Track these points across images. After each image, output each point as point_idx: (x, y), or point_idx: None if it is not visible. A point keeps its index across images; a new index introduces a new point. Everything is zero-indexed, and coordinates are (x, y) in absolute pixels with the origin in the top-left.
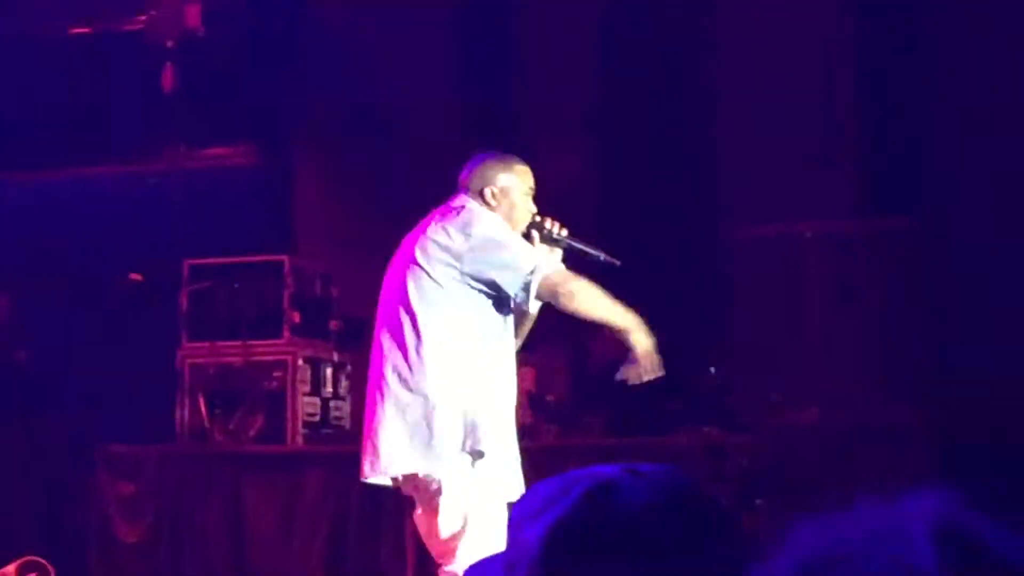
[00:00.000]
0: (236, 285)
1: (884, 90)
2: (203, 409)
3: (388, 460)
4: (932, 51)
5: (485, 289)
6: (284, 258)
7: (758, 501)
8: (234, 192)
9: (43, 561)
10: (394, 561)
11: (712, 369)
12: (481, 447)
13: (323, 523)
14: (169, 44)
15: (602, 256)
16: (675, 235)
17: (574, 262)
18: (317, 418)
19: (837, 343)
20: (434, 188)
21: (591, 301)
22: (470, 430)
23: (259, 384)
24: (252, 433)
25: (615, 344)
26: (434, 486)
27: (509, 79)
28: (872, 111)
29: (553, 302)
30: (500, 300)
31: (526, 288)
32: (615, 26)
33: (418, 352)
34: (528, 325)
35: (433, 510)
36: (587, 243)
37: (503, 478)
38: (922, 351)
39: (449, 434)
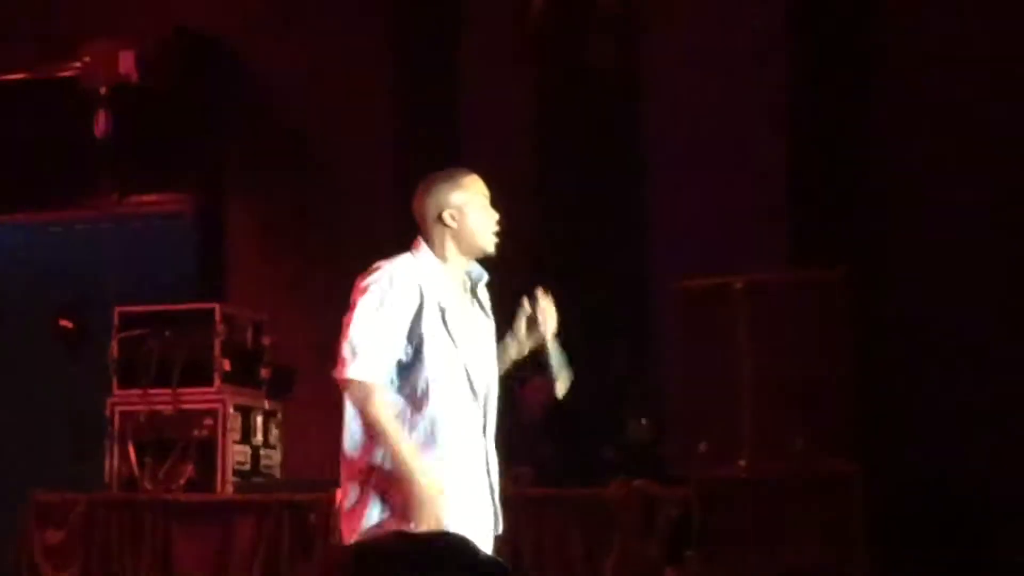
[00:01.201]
0: (167, 333)
1: (816, 144)
2: (133, 457)
3: None
4: (863, 103)
5: None
6: (215, 306)
7: (688, 553)
8: (166, 239)
9: None
10: None
11: (643, 420)
12: None
13: (255, 573)
14: (102, 91)
15: (558, 382)
16: (607, 287)
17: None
18: (247, 466)
19: (768, 394)
20: (368, 235)
21: (380, 425)
22: None
23: (189, 432)
24: (182, 481)
25: (547, 393)
26: None
27: (446, 124)
28: (804, 164)
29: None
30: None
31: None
32: (549, 80)
33: None
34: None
35: None
36: (559, 360)
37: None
38: (854, 401)
39: None
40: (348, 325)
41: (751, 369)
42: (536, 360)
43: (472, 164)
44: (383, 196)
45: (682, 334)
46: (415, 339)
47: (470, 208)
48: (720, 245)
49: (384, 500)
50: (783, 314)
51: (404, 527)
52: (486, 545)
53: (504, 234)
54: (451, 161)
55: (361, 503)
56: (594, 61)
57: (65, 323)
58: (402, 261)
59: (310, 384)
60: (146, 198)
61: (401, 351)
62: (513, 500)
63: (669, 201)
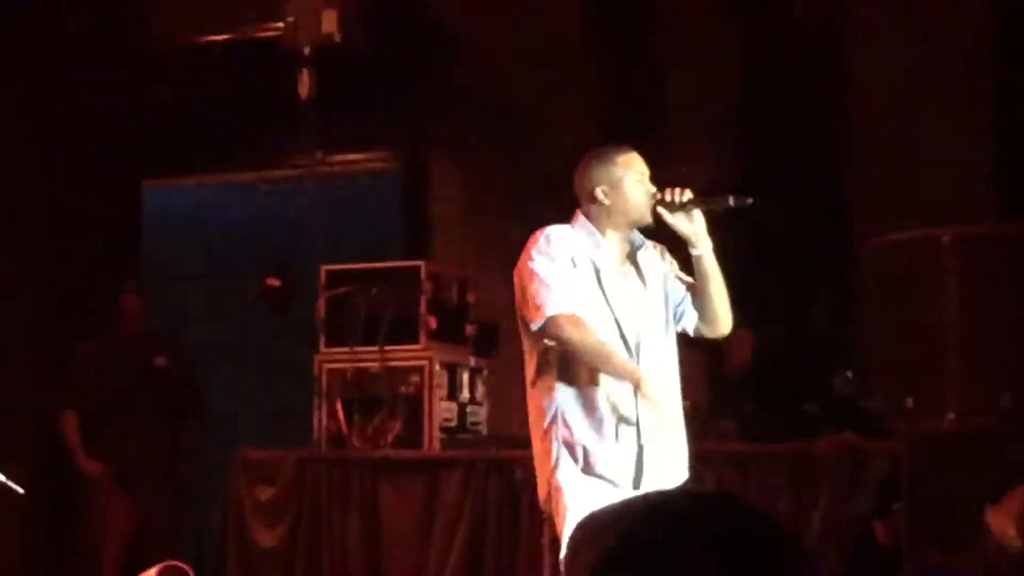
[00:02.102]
0: (373, 290)
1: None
2: (340, 414)
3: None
4: None
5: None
6: (420, 263)
7: (896, 507)
8: (370, 197)
9: (184, 566)
10: (530, 568)
11: (849, 373)
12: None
13: (461, 529)
14: (306, 51)
15: (732, 200)
16: (813, 240)
17: (717, 218)
18: (454, 423)
19: (976, 348)
20: (570, 190)
21: (583, 347)
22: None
23: (396, 389)
24: (389, 438)
25: (751, 345)
26: None
27: (648, 80)
28: (1011, 117)
29: (554, 339)
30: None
31: (540, 329)
32: (754, 31)
33: None
34: (704, 289)
35: None
36: (714, 197)
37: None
38: None
39: None
40: (527, 284)
41: (959, 323)
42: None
43: (675, 121)
44: (585, 151)
45: (887, 287)
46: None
47: (623, 184)
48: (925, 198)
49: (571, 452)
50: (992, 268)
51: (593, 476)
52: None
53: (708, 190)
54: (654, 115)
55: (549, 456)
56: (798, 13)
57: (272, 282)
58: (558, 228)
59: (515, 341)
60: (350, 156)
61: (576, 295)
62: (718, 455)
63: (874, 153)
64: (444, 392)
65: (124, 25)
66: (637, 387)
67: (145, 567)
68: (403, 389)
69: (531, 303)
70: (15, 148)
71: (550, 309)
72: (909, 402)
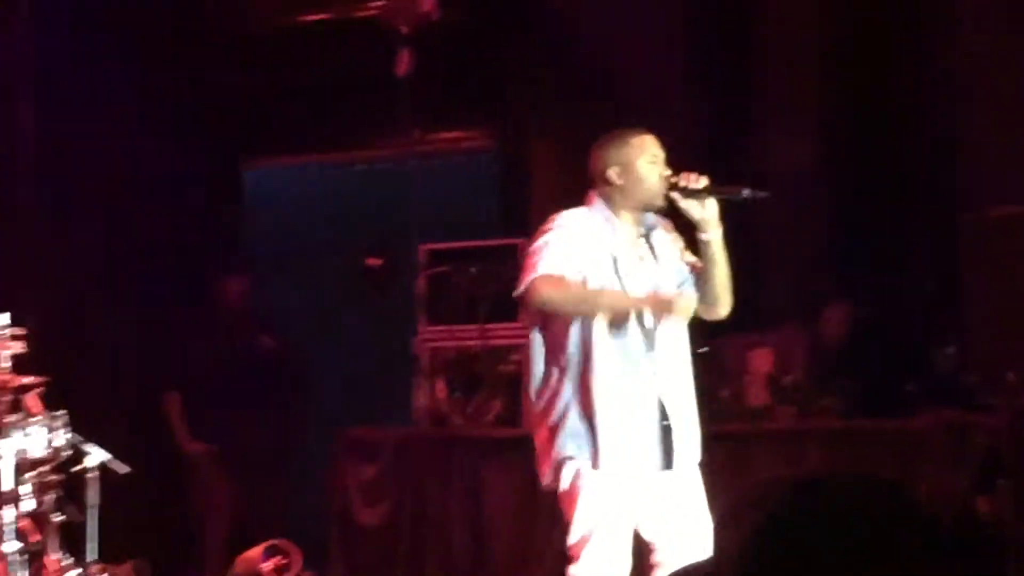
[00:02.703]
0: (473, 269)
1: None
2: (441, 393)
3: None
4: None
5: None
6: (519, 242)
7: (1000, 482)
8: (469, 176)
9: (287, 544)
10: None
11: (950, 349)
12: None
13: None
14: (404, 29)
15: (747, 192)
16: (912, 215)
17: (730, 207)
18: None
19: None
20: (674, 167)
21: (573, 299)
22: None
23: (497, 367)
24: (491, 417)
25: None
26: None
27: (742, 55)
28: None
29: (547, 308)
30: None
31: (521, 296)
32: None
33: None
34: (709, 274)
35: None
36: (729, 186)
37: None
38: None
39: None
40: (528, 259)
41: None
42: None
43: (763, 96)
44: (680, 126)
45: (990, 263)
46: (590, 283)
47: (635, 166)
48: None
49: (570, 434)
50: None
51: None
52: (649, 478)
53: (805, 165)
54: (744, 93)
55: (550, 439)
56: None
57: (372, 261)
58: (573, 211)
59: None
60: (449, 135)
61: (574, 271)
62: (820, 432)
63: (977, 128)
64: None
65: (224, 6)
66: (647, 308)
67: (249, 547)
68: (503, 367)
69: (525, 272)
70: (117, 131)
71: (530, 275)
72: (1011, 376)
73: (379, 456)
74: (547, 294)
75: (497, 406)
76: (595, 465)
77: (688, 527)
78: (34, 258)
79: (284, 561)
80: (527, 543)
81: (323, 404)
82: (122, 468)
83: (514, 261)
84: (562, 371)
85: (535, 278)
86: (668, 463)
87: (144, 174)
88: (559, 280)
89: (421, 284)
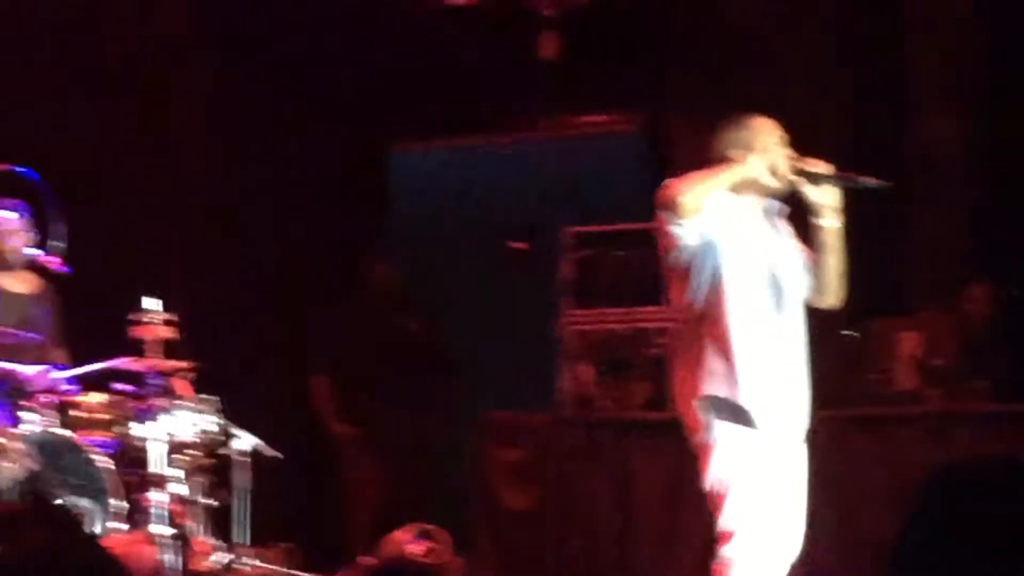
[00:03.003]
0: (618, 252)
1: None
2: (587, 376)
3: None
4: None
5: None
6: None
7: None
8: (614, 158)
9: (435, 528)
10: None
11: None
12: None
13: None
14: (548, 12)
15: (869, 181)
16: None
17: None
18: None
19: None
20: (820, 147)
21: (694, 185)
22: None
23: (643, 350)
24: (637, 400)
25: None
26: None
27: (893, 33)
28: None
29: (684, 210)
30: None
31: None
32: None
33: None
34: (823, 260)
35: None
36: (853, 175)
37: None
38: None
39: None
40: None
41: None
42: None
43: (915, 65)
44: (828, 108)
45: None
46: (709, 256)
47: (757, 149)
48: None
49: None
50: None
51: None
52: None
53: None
54: (894, 73)
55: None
56: None
57: (517, 245)
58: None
59: None
60: (593, 118)
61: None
62: (970, 415)
63: None
64: None
65: None
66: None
67: (396, 530)
68: (650, 351)
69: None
70: (265, 114)
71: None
72: None
73: (525, 440)
74: (680, 192)
75: (644, 389)
76: (727, 424)
77: (789, 500)
78: (188, 243)
79: (431, 545)
80: (674, 527)
81: (469, 388)
82: (271, 452)
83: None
84: (697, 336)
85: (679, 191)
86: (779, 424)
87: (295, 156)
88: (687, 179)
89: (566, 267)
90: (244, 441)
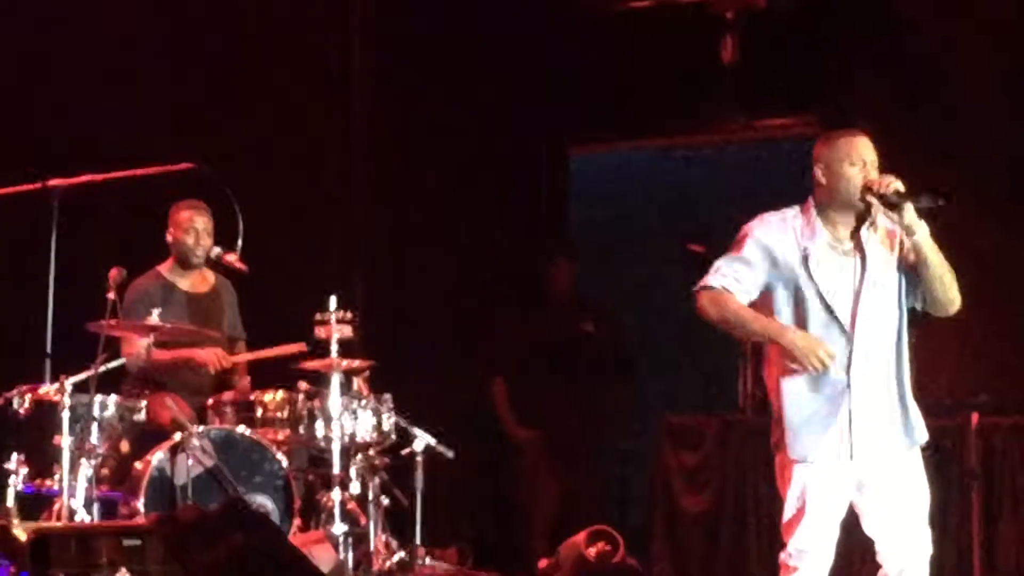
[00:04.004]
0: None
1: None
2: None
3: None
4: None
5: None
6: None
7: None
8: (794, 163)
9: (612, 531)
10: (959, 540)
11: None
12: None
13: None
14: (729, 15)
15: (943, 201)
16: None
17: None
18: None
19: None
20: (997, 156)
21: (735, 320)
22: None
23: None
24: None
25: None
26: None
27: None
28: None
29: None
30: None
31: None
32: None
33: None
34: (923, 274)
35: None
36: (927, 195)
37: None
38: None
39: None
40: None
41: None
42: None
43: None
44: (1003, 118)
45: None
46: (783, 282)
47: (837, 167)
48: None
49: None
50: None
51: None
52: (844, 468)
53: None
54: None
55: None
56: None
57: (695, 247)
58: (777, 212)
59: None
60: (774, 122)
61: (757, 281)
62: None
63: None
64: None
65: None
66: (792, 345)
67: (574, 532)
68: None
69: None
70: (447, 115)
71: (699, 285)
72: None
73: (703, 442)
74: (704, 308)
75: None
76: (788, 452)
77: (894, 516)
78: (364, 242)
79: (608, 547)
80: (848, 527)
81: (647, 391)
82: (448, 452)
83: None
84: (774, 368)
85: (700, 289)
86: (851, 453)
87: (473, 158)
88: (719, 298)
89: None
90: (420, 441)
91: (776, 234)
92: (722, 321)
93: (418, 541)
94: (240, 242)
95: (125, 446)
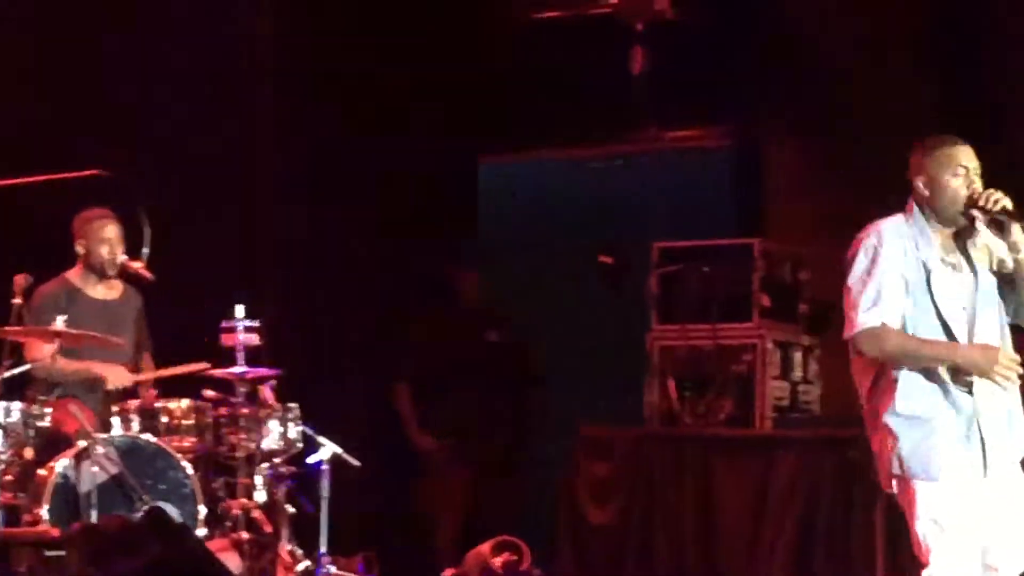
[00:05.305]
0: (705, 268)
1: None
2: (672, 392)
3: None
4: None
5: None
6: (754, 241)
7: None
8: (704, 174)
9: (518, 541)
10: (864, 548)
11: None
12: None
13: (794, 508)
14: (638, 27)
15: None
16: None
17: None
18: (786, 402)
19: None
20: (904, 166)
21: (903, 355)
22: None
23: (728, 367)
24: (722, 416)
25: None
26: None
27: (979, 41)
28: None
29: (866, 355)
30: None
31: (852, 341)
32: None
33: None
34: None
35: None
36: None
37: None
38: None
39: None
40: (848, 288)
41: None
42: None
43: (1002, 83)
44: (923, 127)
45: None
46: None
47: (941, 178)
48: None
49: (897, 447)
50: None
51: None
52: (973, 486)
53: None
54: (980, 81)
55: (883, 451)
56: None
57: (604, 258)
58: (891, 222)
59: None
60: (684, 133)
61: (903, 300)
62: None
63: None
64: (776, 371)
65: (462, 3)
66: (970, 363)
67: (480, 542)
68: (735, 367)
69: (846, 312)
70: (354, 124)
71: (858, 326)
72: None
73: (611, 454)
74: (882, 348)
75: (728, 405)
76: (907, 475)
77: (1015, 532)
78: (269, 251)
79: (514, 557)
80: (757, 542)
81: (555, 400)
82: (352, 461)
83: (748, 260)
84: (889, 391)
85: (859, 333)
86: (984, 470)
87: (382, 167)
88: (882, 334)
89: (653, 282)
90: (325, 449)
91: (900, 251)
92: (889, 359)
93: (324, 550)
94: (146, 250)
95: (29, 452)
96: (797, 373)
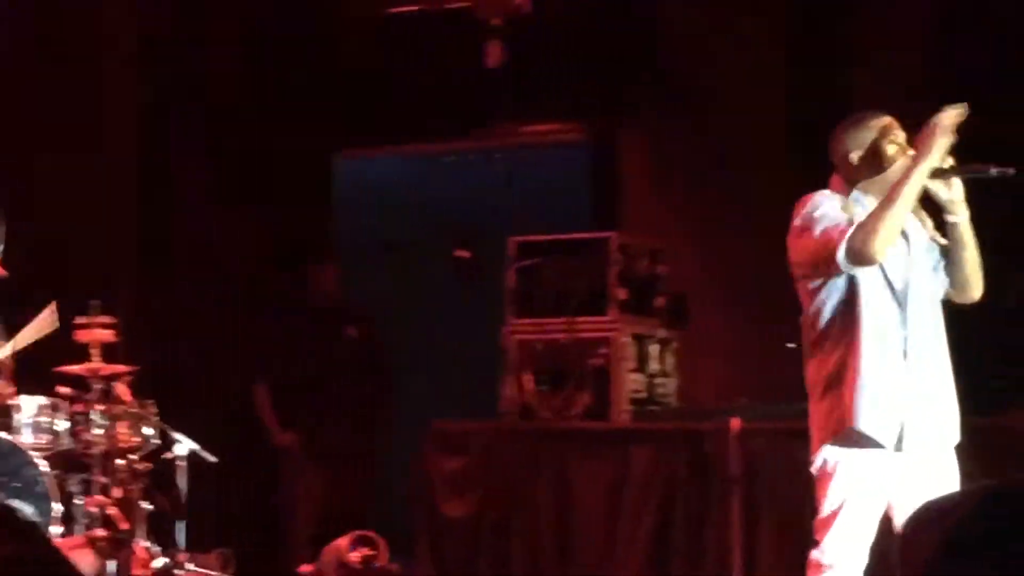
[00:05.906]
0: (562, 262)
1: None
2: (529, 385)
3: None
4: None
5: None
6: (611, 234)
7: None
8: (559, 169)
9: (374, 535)
10: (719, 542)
11: None
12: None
13: (650, 501)
14: (495, 21)
15: (995, 170)
16: None
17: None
18: (643, 395)
19: None
20: (761, 162)
21: (881, 223)
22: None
23: (584, 361)
24: (578, 410)
25: None
26: None
27: (835, 47)
28: None
29: (866, 255)
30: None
31: (845, 256)
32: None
33: None
34: (957, 256)
35: None
36: (976, 166)
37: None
38: None
39: None
40: (806, 240)
41: None
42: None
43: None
44: (775, 120)
45: None
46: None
47: (879, 149)
48: None
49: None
50: None
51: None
52: (890, 460)
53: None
54: (840, 83)
55: (824, 423)
56: None
57: (461, 253)
58: (822, 193)
59: (704, 312)
60: (540, 127)
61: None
62: None
63: None
64: (633, 364)
65: None
66: (937, 132)
67: (336, 537)
68: (591, 361)
69: (823, 249)
70: (213, 117)
71: (841, 243)
72: None
73: (466, 448)
74: (858, 249)
75: (584, 399)
76: (851, 447)
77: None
78: (127, 247)
79: (370, 552)
80: (613, 537)
81: (411, 395)
82: (209, 457)
83: (604, 254)
84: (829, 354)
85: (845, 247)
86: (899, 446)
87: (238, 162)
88: (859, 230)
89: (510, 277)
90: (181, 446)
91: (839, 206)
92: (887, 236)
93: (181, 546)
94: (1, 245)
95: None
96: (654, 366)
